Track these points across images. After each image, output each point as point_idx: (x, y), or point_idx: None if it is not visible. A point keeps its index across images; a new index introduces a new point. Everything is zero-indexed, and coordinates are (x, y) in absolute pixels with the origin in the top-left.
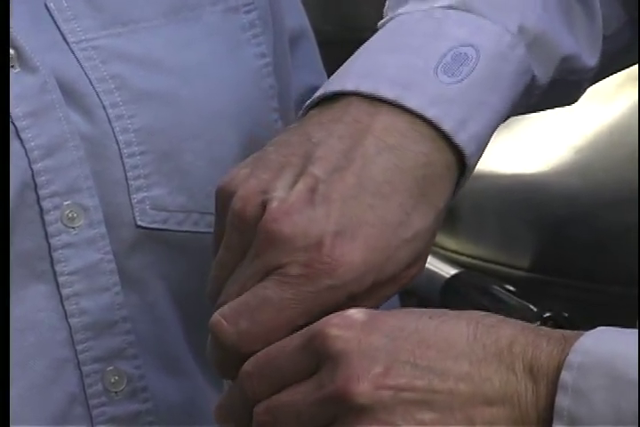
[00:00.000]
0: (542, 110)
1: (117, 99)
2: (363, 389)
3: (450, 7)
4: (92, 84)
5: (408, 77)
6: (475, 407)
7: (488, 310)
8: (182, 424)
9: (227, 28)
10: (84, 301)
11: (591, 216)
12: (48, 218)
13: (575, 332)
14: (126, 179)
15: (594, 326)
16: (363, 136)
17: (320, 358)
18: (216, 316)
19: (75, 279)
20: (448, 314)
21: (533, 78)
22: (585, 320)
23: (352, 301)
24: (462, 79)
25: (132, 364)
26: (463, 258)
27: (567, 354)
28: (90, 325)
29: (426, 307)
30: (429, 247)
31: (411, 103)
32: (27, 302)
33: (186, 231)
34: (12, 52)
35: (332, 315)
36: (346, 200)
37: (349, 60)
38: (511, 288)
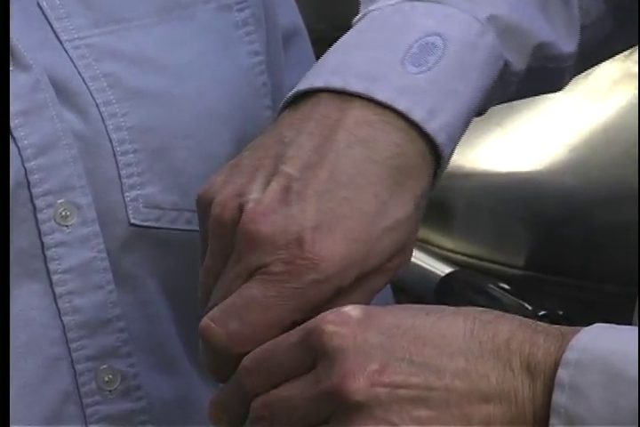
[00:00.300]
0: (526, 97)
1: (110, 97)
2: (359, 386)
3: None
4: (84, 83)
5: (376, 71)
6: (471, 404)
7: None
8: (176, 423)
9: (219, 26)
10: (78, 299)
11: (586, 214)
12: (41, 216)
13: (573, 328)
14: (119, 177)
15: (589, 324)
16: (333, 131)
17: (317, 355)
18: (205, 320)
19: (68, 277)
20: (445, 310)
21: (507, 66)
22: (580, 318)
23: (340, 295)
24: (430, 68)
25: (126, 362)
26: (458, 256)
27: (564, 351)
28: (83, 323)
29: None
30: (413, 238)
31: (380, 95)
32: (20, 301)
33: (179, 229)
34: None
35: (327, 311)
36: (320, 195)
37: (320, 58)
38: (506, 287)
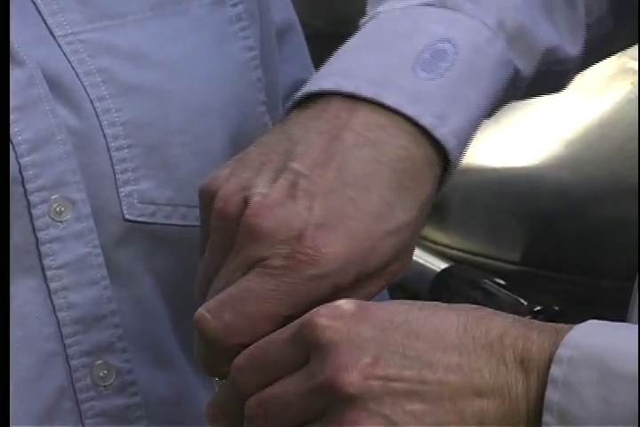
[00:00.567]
0: (530, 98)
1: (104, 92)
2: (352, 379)
3: (427, 4)
4: (78, 78)
5: (386, 75)
6: (464, 398)
7: (478, 304)
8: (171, 418)
9: (213, 22)
10: (73, 294)
11: (581, 209)
12: (35, 212)
13: (567, 325)
14: (114, 172)
15: (584, 320)
16: (342, 131)
17: (310, 349)
18: (200, 311)
19: (63, 273)
20: (439, 306)
21: (517, 71)
22: (575, 314)
23: (337, 296)
24: (441, 75)
25: (121, 358)
26: (453, 252)
27: (558, 347)
28: (78, 318)
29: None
30: (414, 242)
31: (389, 101)
32: (15, 297)
33: (174, 225)
34: None
35: (321, 306)
36: (327, 194)
37: (330, 59)
38: (502, 282)
